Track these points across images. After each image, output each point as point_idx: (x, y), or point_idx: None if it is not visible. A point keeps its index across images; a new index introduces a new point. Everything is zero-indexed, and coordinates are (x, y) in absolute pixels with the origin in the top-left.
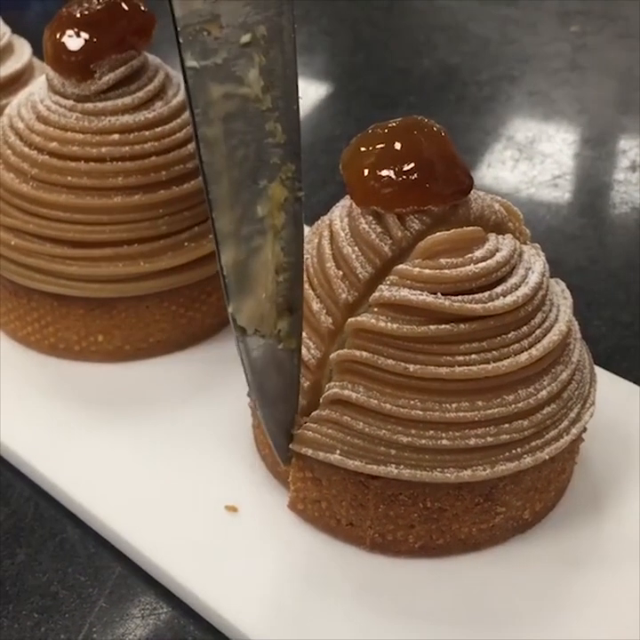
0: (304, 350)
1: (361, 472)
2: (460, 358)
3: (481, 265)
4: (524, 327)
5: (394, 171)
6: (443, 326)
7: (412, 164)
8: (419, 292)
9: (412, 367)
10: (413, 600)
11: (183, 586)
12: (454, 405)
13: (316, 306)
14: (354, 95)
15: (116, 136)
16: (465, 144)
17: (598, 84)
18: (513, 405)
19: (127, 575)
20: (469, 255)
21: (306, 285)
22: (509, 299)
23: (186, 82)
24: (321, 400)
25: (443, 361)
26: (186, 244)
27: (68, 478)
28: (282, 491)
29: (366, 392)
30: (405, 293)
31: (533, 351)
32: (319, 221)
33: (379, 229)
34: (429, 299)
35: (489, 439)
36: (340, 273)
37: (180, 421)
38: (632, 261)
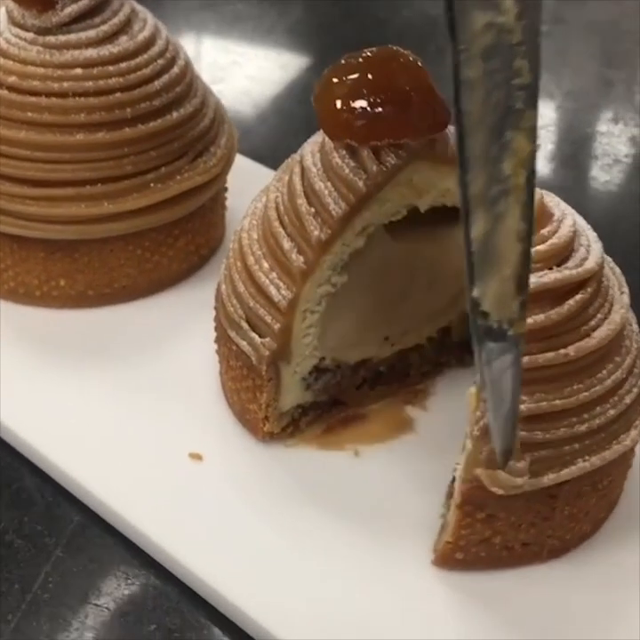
0: (274, 291)
1: (554, 484)
2: (593, 323)
3: (563, 234)
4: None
5: (367, 102)
6: (577, 297)
7: (387, 95)
8: (540, 272)
9: (571, 351)
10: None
11: (144, 535)
12: (605, 371)
13: (286, 244)
14: (331, 47)
15: (78, 70)
16: (447, 96)
17: (581, 37)
18: None
19: (86, 525)
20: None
21: (276, 223)
22: (592, 260)
23: (450, 10)
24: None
25: (584, 332)
26: (152, 185)
27: (27, 425)
28: (249, 438)
29: (531, 398)
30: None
31: None
32: (289, 159)
33: (352, 164)
34: (559, 274)
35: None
36: (313, 210)
37: (145, 369)
38: (614, 211)
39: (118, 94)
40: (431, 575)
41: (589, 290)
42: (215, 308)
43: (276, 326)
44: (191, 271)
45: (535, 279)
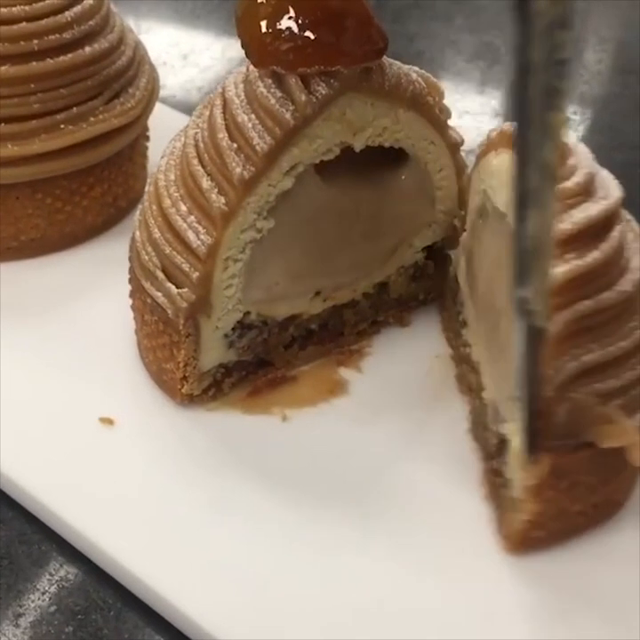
0: (192, 236)
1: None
2: (630, 254)
3: (583, 173)
4: None
5: (296, 24)
6: (618, 227)
7: (318, 17)
8: (580, 206)
9: (627, 286)
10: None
11: (46, 507)
12: None
13: (206, 184)
14: None
15: None
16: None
17: None
18: None
19: None
20: None
21: (195, 162)
22: (616, 190)
23: None
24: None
25: (625, 264)
26: (62, 126)
27: None
28: (166, 401)
29: (597, 345)
30: (580, 215)
31: None
32: (211, 94)
33: (279, 94)
34: (600, 206)
35: None
36: (235, 145)
37: (53, 328)
38: None
39: (24, 24)
40: (366, 539)
41: (622, 219)
42: (129, 259)
43: (195, 275)
44: (108, 224)
45: (581, 214)
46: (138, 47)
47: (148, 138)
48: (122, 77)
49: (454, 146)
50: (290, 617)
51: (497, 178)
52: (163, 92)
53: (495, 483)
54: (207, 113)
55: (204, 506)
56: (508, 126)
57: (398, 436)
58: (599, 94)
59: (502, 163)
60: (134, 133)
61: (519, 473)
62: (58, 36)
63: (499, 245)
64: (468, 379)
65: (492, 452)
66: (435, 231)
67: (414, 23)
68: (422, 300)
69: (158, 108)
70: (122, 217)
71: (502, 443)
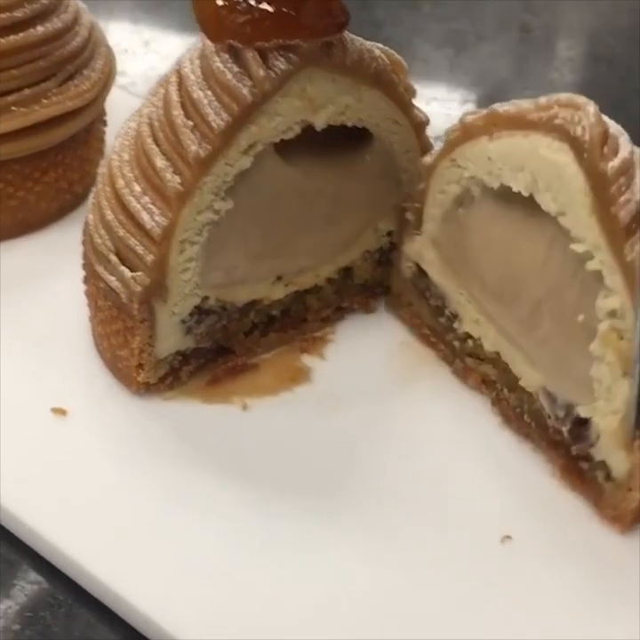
0: (146, 217)
1: None
2: None
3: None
4: None
5: None
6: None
7: None
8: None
9: None
10: None
11: None
12: None
13: (160, 163)
14: None
15: None
16: None
17: None
18: None
19: None
20: None
21: (149, 140)
22: None
23: None
24: None
25: None
26: (13, 108)
27: None
28: (121, 391)
29: None
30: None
31: None
32: (166, 72)
33: (236, 69)
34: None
35: None
36: (190, 123)
37: (6, 317)
38: None
39: None
40: (330, 532)
41: None
42: (83, 243)
43: (149, 258)
44: (63, 211)
45: None
46: (94, 28)
47: (105, 123)
48: (76, 59)
49: (420, 125)
50: (247, 612)
51: (506, 161)
52: (124, 80)
53: (582, 469)
54: (162, 91)
55: (160, 498)
56: (501, 107)
57: (363, 424)
58: (570, 82)
59: (512, 146)
60: (90, 117)
61: (618, 453)
62: (8, 14)
63: (509, 228)
64: (478, 372)
65: (566, 439)
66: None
67: (382, 10)
68: (388, 286)
69: (118, 94)
70: (78, 203)
71: (579, 426)
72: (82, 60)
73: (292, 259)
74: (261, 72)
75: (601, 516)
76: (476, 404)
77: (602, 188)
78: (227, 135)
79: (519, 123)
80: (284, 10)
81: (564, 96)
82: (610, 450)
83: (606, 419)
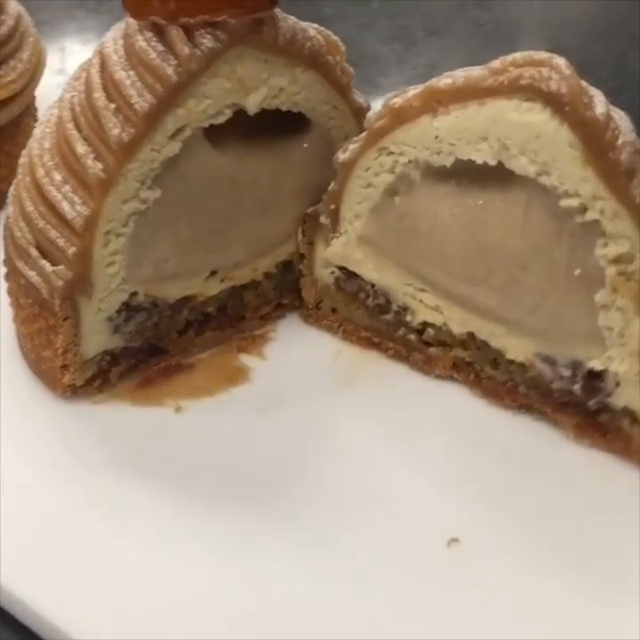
0: (68, 207)
1: None
2: None
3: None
4: None
5: None
6: None
7: None
8: None
9: None
10: None
11: None
12: None
13: (81, 149)
14: None
15: None
16: None
17: None
18: None
19: None
20: None
21: (70, 125)
22: None
23: None
24: None
25: None
26: None
27: None
28: (46, 394)
29: None
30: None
31: None
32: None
33: (160, 47)
34: None
35: None
36: (113, 105)
37: None
38: None
39: None
40: (262, 539)
41: None
42: (3, 238)
43: (71, 251)
44: None
45: None
46: (21, 18)
47: (35, 117)
48: (1, 49)
49: (359, 111)
50: (172, 615)
51: (461, 135)
52: (63, 78)
53: (600, 422)
54: (84, 74)
55: (80, 506)
56: (439, 82)
57: (304, 425)
58: None
59: (466, 118)
60: (16, 109)
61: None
62: None
63: (466, 204)
64: (447, 359)
65: (578, 397)
66: None
67: (329, 7)
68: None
69: (53, 90)
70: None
71: (592, 380)
72: (7, 51)
73: (226, 252)
74: (186, 50)
75: (633, 461)
76: (427, 398)
77: (594, 137)
78: (151, 118)
79: (471, 92)
80: None
81: (519, 56)
82: (633, 393)
83: (625, 362)
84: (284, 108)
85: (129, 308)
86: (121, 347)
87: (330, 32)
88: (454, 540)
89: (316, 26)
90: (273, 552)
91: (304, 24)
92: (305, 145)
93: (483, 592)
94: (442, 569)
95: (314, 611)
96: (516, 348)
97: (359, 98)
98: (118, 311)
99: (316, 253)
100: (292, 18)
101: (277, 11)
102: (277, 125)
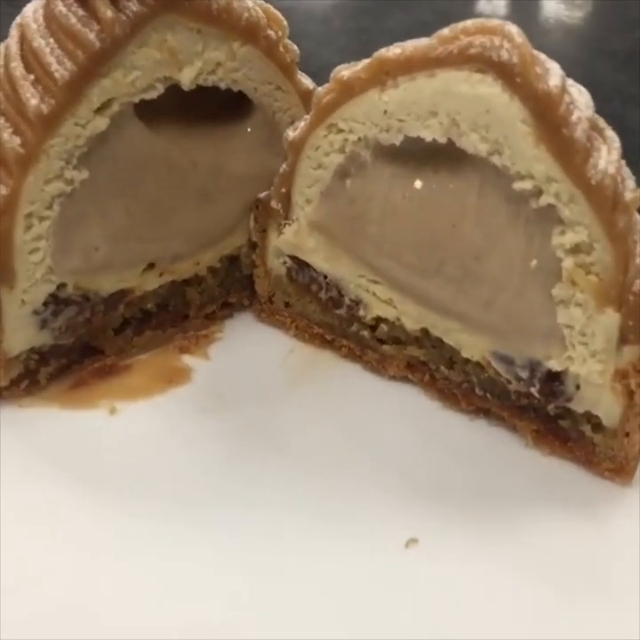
0: None
1: None
2: None
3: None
4: None
5: None
6: None
7: None
8: None
9: None
10: None
11: None
12: None
13: None
14: None
15: None
16: None
17: None
18: None
19: None
20: None
21: None
22: None
23: None
24: None
25: None
26: None
27: None
28: None
29: None
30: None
31: None
32: None
33: (81, 12)
34: None
35: None
36: (32, 76)
37: None
38: None
39: None
40: (198, 551)
41: None
42: None
43: None
44: None
45: None
46: None
47: None
48: None
49: (306, 94)
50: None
51: (410, 110)
52: None
53: (561, 428)
54: (2, 48)
55: (10, 520)
56: (388, 51)
57: (251, 427)
58: None
59: (415, 90)
60: None
61: (606, 398)
62: None
63: (418, 187)
64: (401, 357)
65: (536, 400)
66: None
67: None
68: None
69: None
70: None
71: (551, 382)
72: None
73: (164, 242)
74: (110, 14)
75: (597, 472)
76: (381, 400)
77: (546, 111)
78: (73, 88)
79: (420, 63)
80: None
81: (470, 23)
82: (595, 397)
83: (586, 364)
84: (223, 87)
85: (57, 301)
86: (50, 344)
87: (269, 5)
88: (413, 541)
89: (261, 2)
90: (215, 557)
91: None
92: (248, 129)
93: (440, 591)
94: (400, 569)
95: (266, 611)
96: (472, 346)
97: (305, 79)
98: (45, 304)
99: (269, 242)
100: None
101: None
102: (218, 107)
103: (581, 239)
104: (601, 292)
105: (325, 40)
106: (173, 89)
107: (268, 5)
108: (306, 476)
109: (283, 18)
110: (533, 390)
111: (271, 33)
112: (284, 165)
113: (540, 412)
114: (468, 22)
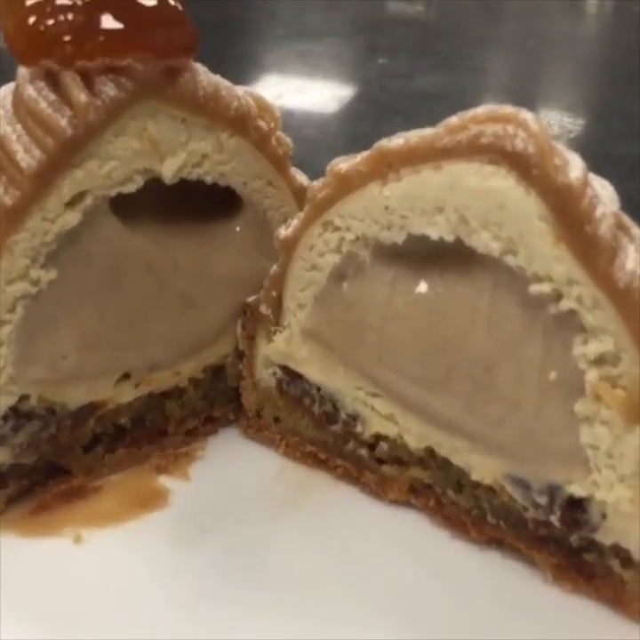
0: None
1: None
2: None
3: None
4: None
5: (71, 2)
6: None
7: None
8: None
9: None
10: None
11: None
12: None
13: None
14: None
15: None
16: None
17: None
18: None
19: None
20: None
21: None
22: None
23: None
24: None
25: None
26: None
27: None
28: None
29: None
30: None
31: None
32: None
33: (52, 97)
34: None
35: None
36: None
37: None
38: None
39: None
40: None
41: None
42: None
43: None
44: None
45: None
46: None
47: None
48: None
49: (300, 190)
50: None
51: (414, 205)
52: None
53: (586, 562)
54: None
55: None
56: (390, 142)
57: (234, 557)
58: None
59: (419, 184)
60: None
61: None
62: None
63: (424, 291)
64: (403, 479)
65: (557, 530)
66: None
67: None
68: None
69: None
70: None
71: (573, 510)
72: None
73: (141, 350)
74: (83, 97)
75: (627, 614)
76: (381, 528)
77: (567, 206)
78: (42, 179)
79: (425, 154)
80: (112, 22)
81: (480, 110)
82: (624, 528)
83: (614, 490)
84: (209, 181)
85: (18, 415)
86: (9, 463)
87: (263, 95)
88: None
89: (246, 88)
90: None
91: (229, 83)
92: (236, 228)
93: None
94: None
95: None
96: (483, 468)
97: (300, 176)
98: (4, 418)
99: (257, 350)
100: (216, 76)
101: (198, 66)
102: (204, 204)
103: (607, 349)
104: (629, 407)
105: (323, 145)
106: (154, 182)
107: (260, 95)
108: (291, 614)
109: (276, 108)
110: (553, 519)
111: (262, 124)
112: (274, 267)
113: (562, 543)
114: (479, 109)
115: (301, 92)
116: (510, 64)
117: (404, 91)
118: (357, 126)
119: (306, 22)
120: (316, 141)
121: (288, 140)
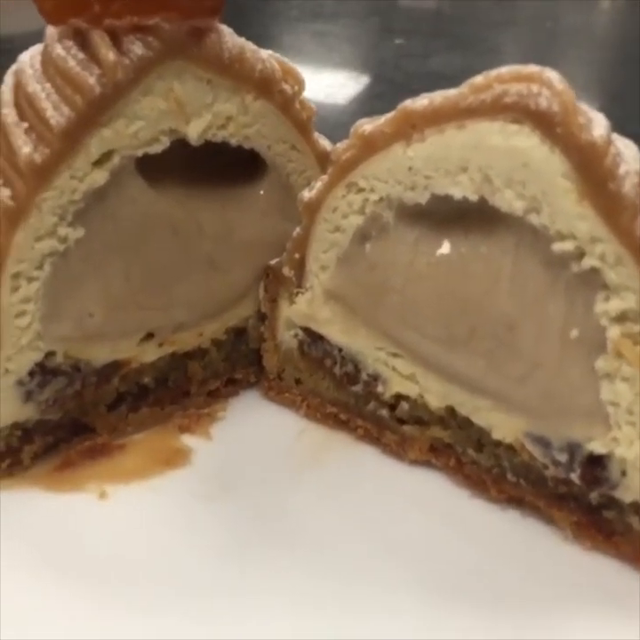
0: None
1: None
2: None
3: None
4: None
5: None
6: None
7: None
8: None
9: None
10: None
11: None
12: None
13: None
14: None
15: None
16: None
17: None
18: None
19: None
20: None
21: None
22: None
23: None
24: None
25: None
26: None
27: None
28: None
29: None
30: None
31: None
32: None
33: (81, 56)
34: None
35: None
36: (25, 124)
37: None
38: None
39: None
40: None
41: None
42: None
43: None
44: None
45: None
46: None
47: None
48: None
49: (323, 154)
50: None
51: (438, 165)
52: None
53: (605, 520)
54: None
55: None
56: (414, 103)
57: (255, 515)
58: None
59: (443, 144)
60: None
61: None
62: None
63: (447, 250)
64: (423, 439)
65: (577, 487)
66: None
67: None
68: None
69: None
70: None
71: (593, 467)
72: None
73: (165, 311)
74: (112, 57)
75: None
76: (401, 487)
77: (591, 164)
78: (70, 137)
79: (449, 114)
80: None
81: (505, 70)
82: None
83: (634, 446)
84: (233, 143)
85: (44, 371)
86: (35, 420)
87: (286, 59)
88: None
89: (269, 52)
90: None
91: (254, 46)
92: (260, 191)
93: None
94: None
95: None
96: (503, 427)
97: (323, 140)
98: (31, 374)
99: (279, 313)
100: (241, 38)
101: (223, 27)
102: (228, 167)
103: (629, 306)
104: None
105: (339, 125)
106: (179, 144)
107: (284, 59)
108: (314, 573)
109: (299, 72)
110: (573, 476)
111: (287, 87)
112: (297, 229)
113: (581, 501)
114: (503, 69)
115: (317, 72)
116: (526, 45)
117: (419, 71)
118: (373, 106)
119: (321, 3)
120: (331, 122)
121: (311, 104)
